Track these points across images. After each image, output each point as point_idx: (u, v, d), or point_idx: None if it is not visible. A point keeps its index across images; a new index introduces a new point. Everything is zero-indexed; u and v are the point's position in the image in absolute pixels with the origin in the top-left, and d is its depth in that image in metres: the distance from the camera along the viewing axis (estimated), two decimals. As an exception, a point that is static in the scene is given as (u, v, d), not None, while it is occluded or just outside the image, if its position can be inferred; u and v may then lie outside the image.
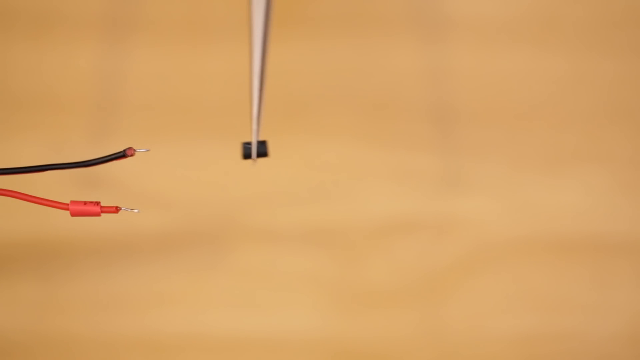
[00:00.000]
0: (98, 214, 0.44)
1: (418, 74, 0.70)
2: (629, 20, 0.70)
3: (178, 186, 0.68)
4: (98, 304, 0.68)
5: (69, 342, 0.67)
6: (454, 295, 0.68)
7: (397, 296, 0.68)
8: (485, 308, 0.68)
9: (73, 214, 0.44)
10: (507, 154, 0.69)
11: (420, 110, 0.69)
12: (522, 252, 0.68)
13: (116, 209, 0.44)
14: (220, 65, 0.69)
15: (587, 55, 0.70)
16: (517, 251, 0.68)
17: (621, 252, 0.68)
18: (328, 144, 0.69)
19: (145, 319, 0.68)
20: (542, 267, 0.68)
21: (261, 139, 0.46)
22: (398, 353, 0.68)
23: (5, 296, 0.67)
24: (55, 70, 0.69)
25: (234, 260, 0.68)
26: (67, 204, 0.44)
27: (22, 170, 0.44)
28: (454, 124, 0.69)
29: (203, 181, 0.69)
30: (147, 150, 0.44)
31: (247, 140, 0.45)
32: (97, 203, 0.44)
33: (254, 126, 0.42)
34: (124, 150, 0.44)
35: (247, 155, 0.44)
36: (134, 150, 0.43)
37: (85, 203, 0.44)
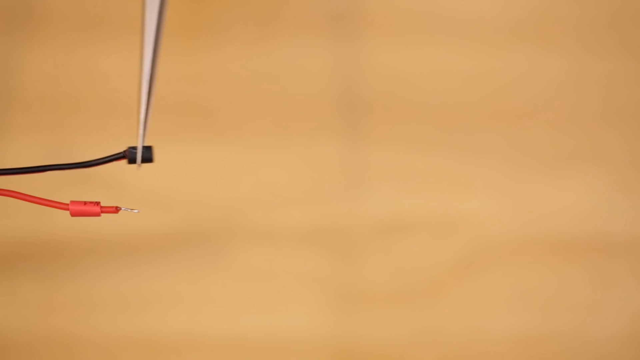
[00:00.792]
0: (98, 214, 0.44)
1: (418, 73, 0.70)
2: (629, 20, 0.70)
3: (178, 186, 0.68)
4: (98, 303, 0.68)
5: (69, 342, 0.67)
6: (454, 295, 0.68)
7: (397, 296, 0.68)
8: (485, 308, 0.68)
9: (73, 214, 0.44)
10: (507, 154, 0.69)
11: (420, 110, 0.69)
12: (522, 252, 0.68)
13: (116, 209, 0.44)
14: (221, 66, 0.69)
15: (587, 55, 0.70)
16: (517, 251, 0.68)
17: (620, 252, 0.68)
18: (328, 144, 0.69)
19: (145, 318, 0.68)
20: (542, 267, 0.68)
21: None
22: (398, 353, 0.68)
23: (5, 296, 0.67)
24: (55, 71, 0.69)
25: (233, 261, 0.68)
26: (67, 204, 0.44)
27: (22, 170, 0.44)
28: (454, 123, 0.69)
29: (203, 181, 0.69)
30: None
31: (134, 145, 0.44)
32: (97, 203, 0.44)
33: (140, 131, 0.42)
34: (124, 151, 0.44)
35: (131, 160, 0.44)
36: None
37: (85, 203, 0.44)
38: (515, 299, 0.68)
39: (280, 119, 0.69)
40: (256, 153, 0.68)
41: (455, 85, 0.70)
